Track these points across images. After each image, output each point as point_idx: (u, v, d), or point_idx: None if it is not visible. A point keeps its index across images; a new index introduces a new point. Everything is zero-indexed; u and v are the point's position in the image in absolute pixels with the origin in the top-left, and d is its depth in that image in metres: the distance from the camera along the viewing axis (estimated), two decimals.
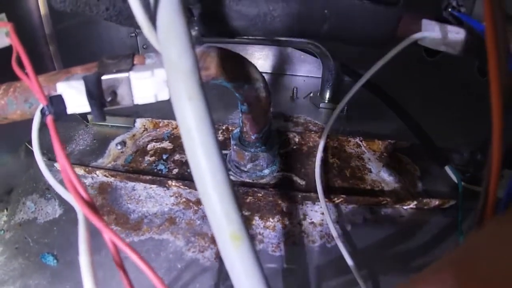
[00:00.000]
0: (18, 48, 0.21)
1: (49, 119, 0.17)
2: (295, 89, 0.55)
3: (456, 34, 0.29)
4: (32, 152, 0.44)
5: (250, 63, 0.28)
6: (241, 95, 0.30)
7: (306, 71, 0.61)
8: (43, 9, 0.43)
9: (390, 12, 0.27)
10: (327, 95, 0.53)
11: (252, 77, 0.28)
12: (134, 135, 0.46)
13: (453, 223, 0.36)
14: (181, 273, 0.30)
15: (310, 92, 0.56)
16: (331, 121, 0.36)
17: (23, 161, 0.44)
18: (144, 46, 0.62)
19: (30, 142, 0.45)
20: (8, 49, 0.24)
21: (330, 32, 0.27)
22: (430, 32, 0.29)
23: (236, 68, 0.27)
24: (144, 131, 0.46)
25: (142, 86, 0.22)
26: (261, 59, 0.61)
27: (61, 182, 0.24)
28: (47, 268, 0.33)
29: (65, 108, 0.20)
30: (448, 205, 0.37)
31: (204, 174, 0.15)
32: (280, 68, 0.62)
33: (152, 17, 0.17)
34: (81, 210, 0.17)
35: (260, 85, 0.29)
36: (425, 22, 0.30)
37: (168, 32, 0.16)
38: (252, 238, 0.32)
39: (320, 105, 0.52)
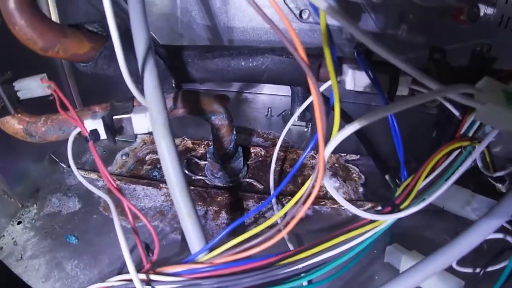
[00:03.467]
0: (63, 99, 0.36)
1: (90, 144, 0.32)
2: (269, 108, 0.69)
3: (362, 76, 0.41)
4: (54, 160, 0.59)
5: (215, 100, 0.43)
6: (210, 123, 0.44)
7: (283, 91, 0.75)
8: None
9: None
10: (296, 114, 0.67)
11: (216, 111, 0.43)
12: (135, 148, 0.60)
13: None
14: (165, 249, 0.44)
15: (283, 111, 0.70)
16: (283, 134, 0.48)
17: (47, 168, 0.58)
18: None
19: (54, 153, 0.60)
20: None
21: (269, 79, 0.41)
22: (345, 75, 0.42)
23: (204, 106, 0.41)
24: (143, 145, 0.61)
25: (139, 122, 0.36)
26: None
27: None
28: (70, 245, 0.46)
29: (99, 137, 0.35)
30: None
31: (171, 180, 0.29)
32: (259, 88, 0.76)
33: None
34: (112, 192, 0.31)
35: (223, 116, 0.43)
36: (344, 67, 0.43)
37: (151, 98, 0.31)
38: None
39: None
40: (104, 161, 0.59)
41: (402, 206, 0.32)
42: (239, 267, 0.29)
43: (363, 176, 0.55)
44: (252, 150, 0.58)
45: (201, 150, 0.59)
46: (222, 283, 0.28)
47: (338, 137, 0.27)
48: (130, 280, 0.30)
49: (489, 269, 0.34)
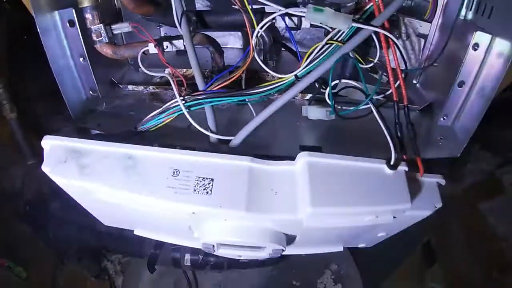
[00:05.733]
0: (144, 31, 0.75)
1: (157, 48, 0.71)
2: None
3: None
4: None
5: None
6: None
7: None
8: None
9: None
10: None
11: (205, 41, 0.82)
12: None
13: None
14: None
15: None
16: None
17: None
18: None
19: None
20: None
21: None
22: None
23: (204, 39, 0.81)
24: None
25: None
26: None
27: None
28: None
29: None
30: None
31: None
32: None
33: None
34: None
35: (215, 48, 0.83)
36: None
37: (184, 29, 0.70)
38: None
39: None
40: None
41: (299, 74, 0.54)
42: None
43: None
44: None
45: None
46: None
47: None
48: None
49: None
